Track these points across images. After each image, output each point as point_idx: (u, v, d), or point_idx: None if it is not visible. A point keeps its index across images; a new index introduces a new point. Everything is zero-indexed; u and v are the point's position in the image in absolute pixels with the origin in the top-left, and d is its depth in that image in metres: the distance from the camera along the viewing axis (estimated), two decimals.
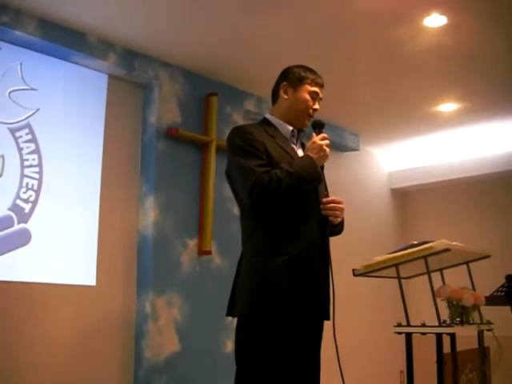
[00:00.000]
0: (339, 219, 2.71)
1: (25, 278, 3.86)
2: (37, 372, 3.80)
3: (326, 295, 2.59)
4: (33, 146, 4.04)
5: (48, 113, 4.13)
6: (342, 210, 2.69)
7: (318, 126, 2.71)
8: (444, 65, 4.75)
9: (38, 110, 4.08)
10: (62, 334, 3.98)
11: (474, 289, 3.77)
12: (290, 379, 2.50)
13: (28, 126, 4.02)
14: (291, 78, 2.78)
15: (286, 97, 2.78)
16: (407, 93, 5.42)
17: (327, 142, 2.65)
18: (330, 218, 2.65)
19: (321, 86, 2.79)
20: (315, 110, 2.77)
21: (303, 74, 2.77)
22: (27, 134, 4.01)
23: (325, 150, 2.62)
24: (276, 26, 4.16)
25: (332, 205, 2.65)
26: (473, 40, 4.32)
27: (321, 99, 2.80)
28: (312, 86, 2.75)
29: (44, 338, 3.88)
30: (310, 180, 2.57)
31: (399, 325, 3.30)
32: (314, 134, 2.69)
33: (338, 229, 2.80)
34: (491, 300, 3.81)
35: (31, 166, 4.01)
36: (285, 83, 2.78)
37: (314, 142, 2.63)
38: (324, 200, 2.66)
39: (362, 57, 4.66)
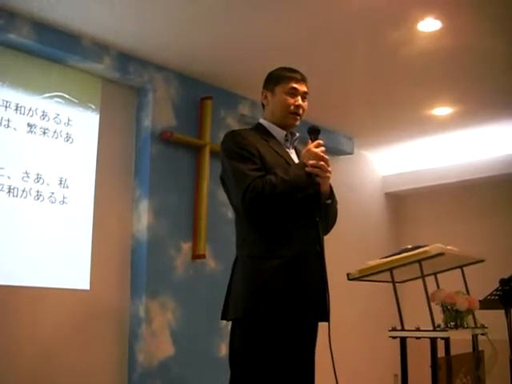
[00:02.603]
0: (327, 179, 2.62)
1: (19, 282, 3.84)
2: (30, 375, 3.78)
3: (321, 298, 2.57)
4: None
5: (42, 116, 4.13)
6: (329, 172, 2.60)
7: (314, 133, 2.66)
8: (438, 69, 4.76)
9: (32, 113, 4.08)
10: (55, 339, 3.96)
11: (468, 293, 3.78)
12: (284, 382, 2.49)
13: None
14: (268, 83, 2.79)
15: (267, 102, 2.79)
16: (402, 97, 5.43)
17: (322, 148, 2.62)
18: (316, 178, 2.56)
19: (299, 81, 2.73)
20: (298, 106, 2.72)
21: (278, 75, 2.76)
22: None
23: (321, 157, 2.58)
24: (270, 30, 4.16)
25: (321, 163, 2.56)
26: (467, 44, 4.33)
27: (306, 93, 2.76)
28: (288, 84, 2.71)
29: (37, 343, 3.86)
30: (305, 188, 2.56)
31: (394, 329, 3.31)
32: (310, 141, 2.67)
33: (331, 210, 2.74)
34: (485, 304, 3.81)
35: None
36: (263, 90, 2.80)
37: (309, 150, 2.61)
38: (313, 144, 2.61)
39: (356, 61, 4.67)
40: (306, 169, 2.55)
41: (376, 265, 3.37)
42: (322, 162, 2.57)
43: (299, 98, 2.73)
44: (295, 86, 2.72)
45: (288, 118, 2.73)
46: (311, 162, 2.56)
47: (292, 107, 2.71)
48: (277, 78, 2.75)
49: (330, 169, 2.60)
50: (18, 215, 3.92)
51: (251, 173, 2.52)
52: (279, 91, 2.73)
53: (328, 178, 2.63)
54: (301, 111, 2.74)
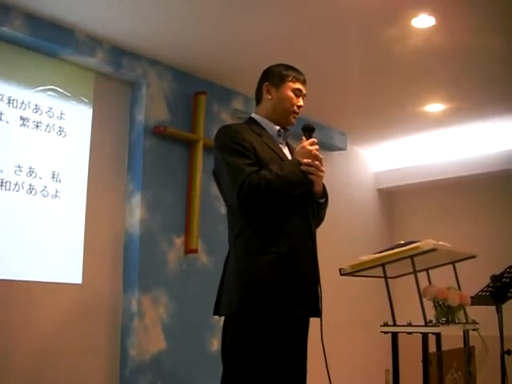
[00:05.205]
0: (320, 178, 2.66)
1: (10, 276, 3.82)
2: (21, 370, 3.77)
3: (313, 293, 2.59)
4: None
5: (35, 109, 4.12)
6: (323, 171, 2.65)
7: (309, 131, 2.70)
8: (431, 65, 4.76)
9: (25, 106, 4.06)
10: (46, 333, 3.95)
11: (459, 289, 3.80)
12: (276, 377, 2.50)
13: None
14: (273, 77, 2.78)
15: (269, 97, 2.78)
16: (395, 93, 5.43)
17: (316, 147, 2.64)
18: (310, 177, 2.60)
19: (303, 83, 2.79)
20: (300, 106, 2.77)
21: (284, 72, 2.77)
22: None
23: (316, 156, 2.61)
24: (265, 26, 4.15)
25: (316, 162, 2.60)
26: (460, 41, 4.34)
27: (305, 95, 2.80)
28: (294, 83, 2.75)
29: (28, 337, 3.85)
30: (299, 185, 2.57)
31: (385, 324, 3.32)
32: (304, 139, 2.68)
33: (322, 212, 2.77)
34: (477, 300, 3.83)
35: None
36: (267, 83, 2.79)
37: (304, 147, 2.63)
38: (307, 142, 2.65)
39: (350, 57, 4.67)
40: (301, 167, 2.57)
41: (368, 260, 3.38)
42: (317, 162, 2.59)
43: (301, 99, 2.76)
44: (301, 87, 2.76)
45: (290, 116, 2.77)
46: (306, 160, 2.59)
47: (295, 107, 2.75)
48: (283, 75, 2.76)
49: (323, 168, 2.63)
50: (9, 209, 3.90)
51: (246, 168, 2.53)
52: (285, 88, 2.74)
53: (321, 177, 2.66)
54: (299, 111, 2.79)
